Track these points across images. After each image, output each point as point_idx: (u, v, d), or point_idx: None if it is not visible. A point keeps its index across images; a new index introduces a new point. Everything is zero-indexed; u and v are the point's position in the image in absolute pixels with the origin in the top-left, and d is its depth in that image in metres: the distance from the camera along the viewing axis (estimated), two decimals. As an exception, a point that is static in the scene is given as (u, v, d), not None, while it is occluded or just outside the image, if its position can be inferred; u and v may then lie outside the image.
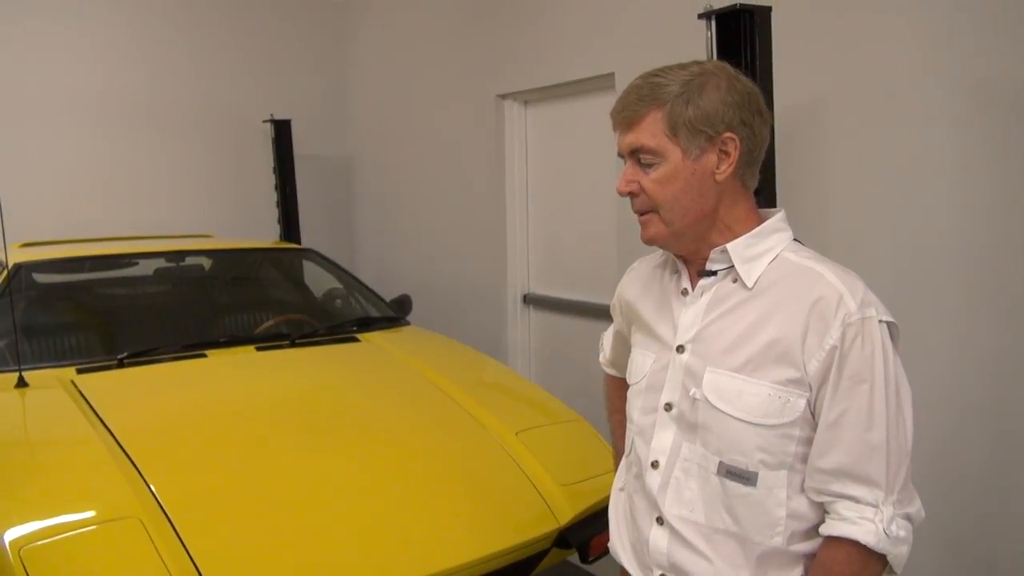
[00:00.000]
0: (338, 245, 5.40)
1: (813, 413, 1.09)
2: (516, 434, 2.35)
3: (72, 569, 1.64)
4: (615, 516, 1.34)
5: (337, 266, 3.80)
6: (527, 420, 2.48)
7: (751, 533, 1.12)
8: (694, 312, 1.19)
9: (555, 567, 2.17)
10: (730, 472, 1.12)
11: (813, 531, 1.12)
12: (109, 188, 4.71)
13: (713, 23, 2.28)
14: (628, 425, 1.31)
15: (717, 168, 1.13)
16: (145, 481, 1.91)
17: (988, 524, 2.20)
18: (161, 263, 3.55)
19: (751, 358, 1.11)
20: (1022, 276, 2.10)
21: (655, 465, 1.21)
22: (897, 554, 1.05)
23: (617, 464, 1.46)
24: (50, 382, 2.49)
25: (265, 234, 4.93)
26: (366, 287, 3.70)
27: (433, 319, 4.04)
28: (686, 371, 1.17)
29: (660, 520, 1.19)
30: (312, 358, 2.92)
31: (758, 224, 1.17)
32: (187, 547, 1.71)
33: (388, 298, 3.66)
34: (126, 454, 2.01)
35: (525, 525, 2.04)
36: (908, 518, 1.07)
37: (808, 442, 1.10)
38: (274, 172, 4.93)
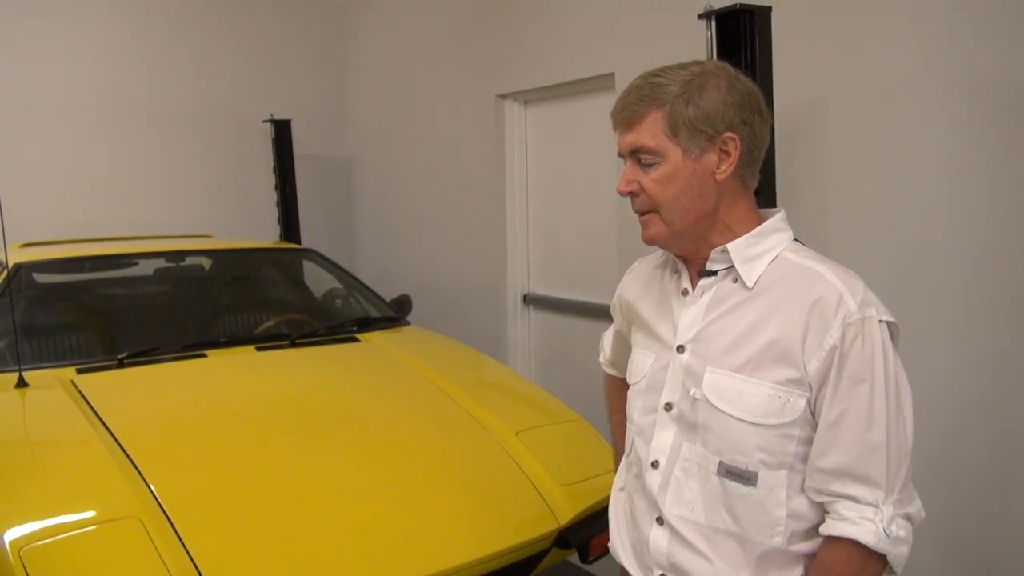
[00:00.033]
0: (338, 245, 5.40)
1: (813, 413, 1.09)
2: (516, 434, 2.35)
3: (72, 569, 1.64)
4: (615, 516, 1.34)
5: (337, 266, 3.80)
6: (527, 420, 2.48)
7: (751, 533, 1.12)
8: (694, 312, 1.19)
9: (555, 567, 2.17)
10: (730, 472, 1.12)
11: (813, 531, 1.12)
12: (109, 188, 4.71)
13: (713, 23, 2.28)
14: (628, 425, 1.31)
15: (717, 168, 1.13)
16: (145, 481, 1.91)
17: (988, 524, 2.20)
18: (161, 263, 3.55)
19: (751, 358, 1.11)
20: (1022, 276, 2.10)
21: (655, 465, 1.21)
22: (897, 554, 1.05)
23: (617, 464, 1.46)
24: (50, 382, 2.49)
25: (265, 234, 4.93)
26: (366, 287, 3.70)
27: (433, 319, 4.04)
28: (686, 371, 1.17)
29: (660, 520, 1.19)
30: (312, 358, 2.92)
31: (758, 224, 1.17)
32: (187, 547, 1.71)
33: (388, 298, 3.66)
34: (126, 454, 2.01)
35: (525, 525, 2.04)
36: (908, 518, 1.07)
37: (808, 442, 1.10)
38: (274, 172, 4.93)
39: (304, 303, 3.73)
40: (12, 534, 1.67)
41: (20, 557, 1.61)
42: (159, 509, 1.81)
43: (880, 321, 1.07)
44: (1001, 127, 2.11)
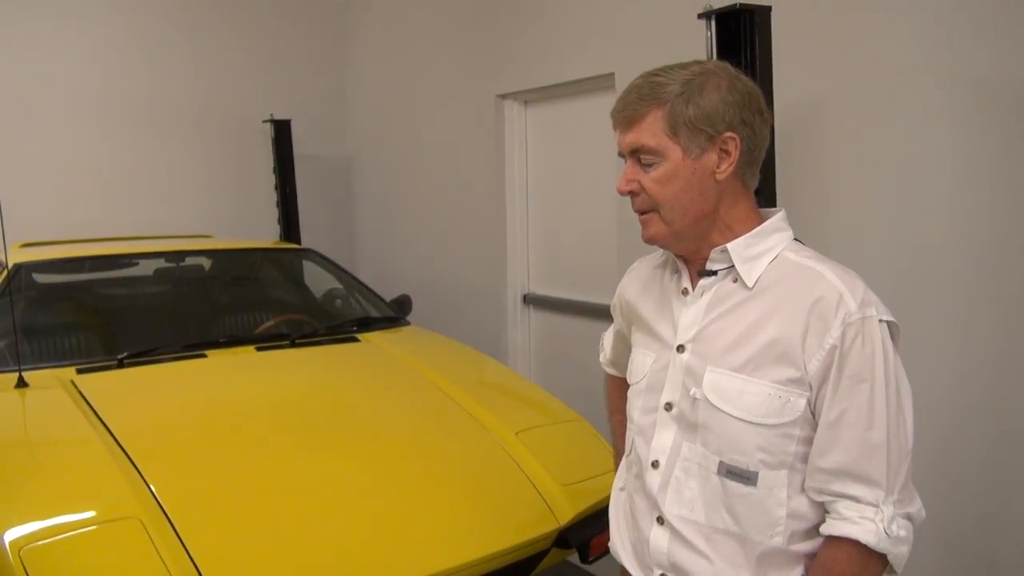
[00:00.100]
0: (338, 245, 5.40)
1: (813, 413, 1.09)
2: (516, 434, 2.35)
3: (72, 569, 1.64)
4: (615, 516, 1.34)
5: (337, 266, 3.80)
6: (527, 420, 2.48)
7: (751, 533, 1.12)
8: (694, 312, 1.19)
9: (555, 567, 2.17)
10: (730, 472, 1.12)
11: (813, 531, 1.12)
12: (109, 188, 4.71)
13: (713, 23, 2.28)
14: (628, 425, 1.31)
15: (717, 167, 1.13)
16: (145, 481, 1.91)
17: (988, 524, 2.20)
18: (161, 263, 3.55)
19: (751, 358, 1.11)
20: (1022, 276, 2.10)
21: (655, 465, 1.21)
22: (897, 554, 1.05)
23: (617, 464, 1.46)
24: (50, 382, 2.49)
25: (265, 234, 4.93)
26: (366, 287, 3.70)
27: (433, 319, 4.04)
28: (686, 371, 1.17)
29: (660, 520, 1.19)
30: (312, 358, 2.92)
31: (758, 224, 1.17)
32: (187, 547, 1.71)
33: (388, 298, 3.66)
34: (126, 454, 2.01)
35: (525, 525, 2.04)
36: (909, 518, 1.07)
37: (808, 442, 1.10)
38: (274, 172, 4.93)
39: (304, 303, 3.73)
40: (12, 534, 1.67)
41: (20, 557, 1.61)
42: (159, 509, 1.81)
43: (880, 321, 1.07)
44: (1001, 127, 2.11)
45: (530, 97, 4.01)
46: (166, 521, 1.77)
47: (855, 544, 1.05)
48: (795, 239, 1.19)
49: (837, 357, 1.06)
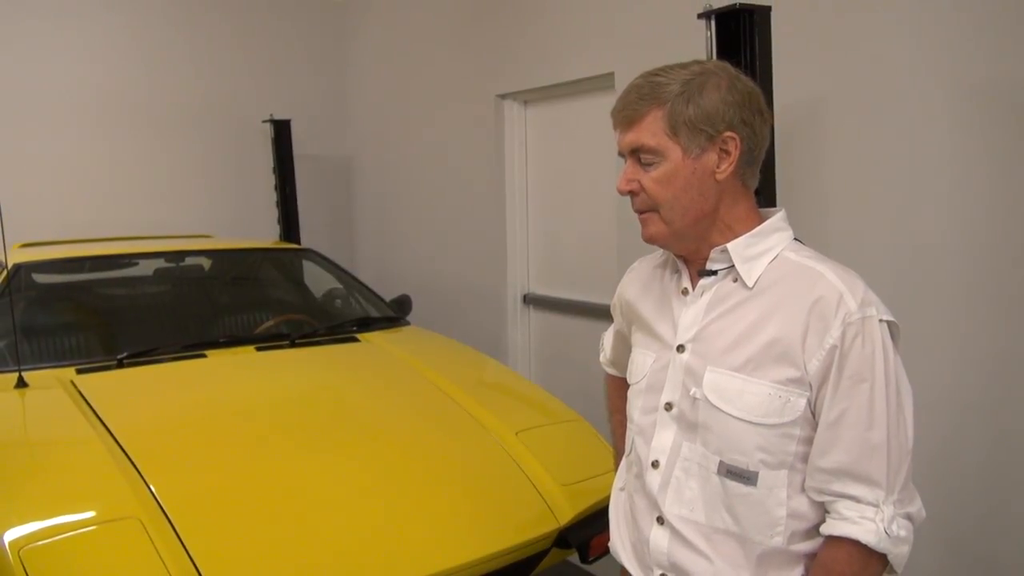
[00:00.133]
0: (338, 245, 5.40)
1: (813, 413, 1.09)
2: (516, 434, 2.35)
3: (72, 569, 1.64)
4: (615, 516, 1.34)
5: (337, 266, 3.80)
6: (527, 420, 2.48)
7: (751, 533, 1.12)
8: (694, 312, 1.19)
9: (555, 567, 2.17)
10: (730, 472, 1.12)
11: (813, 531, 1.12)
12: (109, 188, 4.71)
13: (713, 23, 2.28)
14: (628, 425, 1.31)
15: (717, 167, 1.13)
16: (145, 481, 1.90)
17: (988, 524, 2.19)
18: (161, 263, 3.55)
19: (751, 357, 1.11)
20: (1022, 276, 2.10)
21: (655, 465, 1.21)
22: (898, 554, 1.05)
23: (617, 464, 1.46)
24: (50, 382, 2.49)
25: (265, 234, 4.93)
26: (366, 287, 3.70)
27: (433, 319, 4.04)
28: (686, 371, 1.17)
29: (660, 520, 1.19)
30: (312, 358, 2.92)
31: (758, 224, 1.17)
32: (187, 547, 1.71)
33: (388, 298, 3.66)
34: (126, 454, 2.01)
35: (525, 525, 2.04)
36: (909, 517, 1.07)
37: (808, 441, 1.10)
38: (274, 172, 4.93)
39: (304, 303, 3.73)
40: (12, 534, 1.67)
41: (20, 557, 1.61)
42: (159, 509, 1.81)
43: (880, 320, 1.07)
44: (1001, 127, 2.11)
45: (530, 97, 4.01)
46: (166, 521, 1.77)
47: (855, 544, 1.05)
48: (795, 239, 1.19)
49: (837, 357, 1.06)
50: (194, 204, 4.97)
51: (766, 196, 2.03)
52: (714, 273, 1.18)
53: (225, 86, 5.06)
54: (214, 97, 5.02)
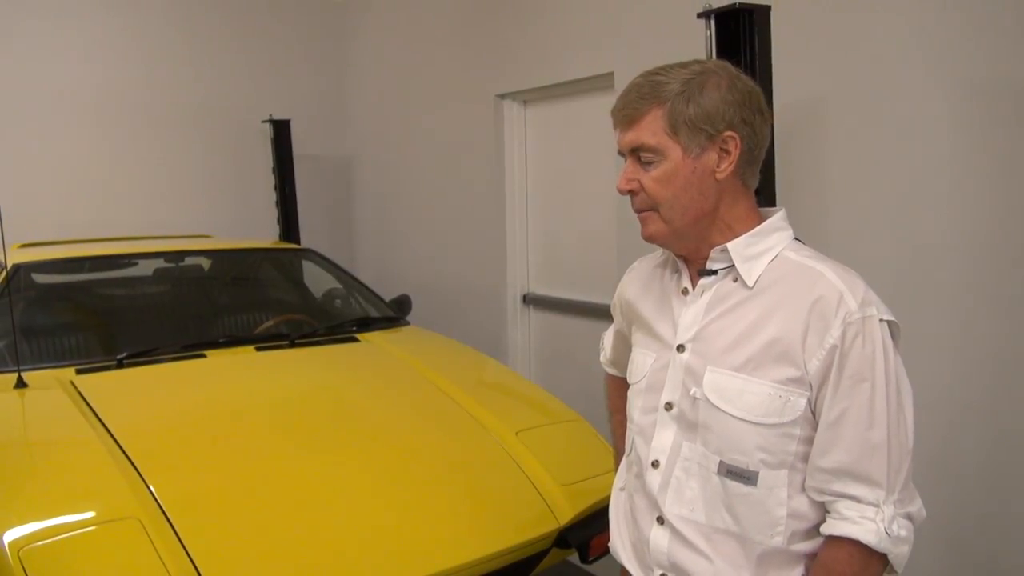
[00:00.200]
0: (338, 245, 5.40)
1: (814, 412, 1.09)
2: (516, 434, 2.35)
3: (72, 569, 1.64)
4: (615, 516, 1.34)
5: (337, 266, 3.80)
6: (527, 420, 2.48)
7: (752, 533, 1.12)
8: (694, 311, 1.19)
9: (555, 567, 2.17)
10: (731, 471, 1.12)
11: (814, 531, 1.12)
12: (109, 188, 4.71)
13: (712, 22, 2.27)
14: (628, 425, 1.31)
15: (717, 167, 1.13)
16: (144, 481, 1.90)
17: (988, 524, 2.19)
18: (160, 263, 3.55)
19: (752, 357, 1.11)
20: (1022, 276, 2.10)
21: (655, 465, 1.21)
22: (898, 553, 1.05)
23: (617, 464, 1.46)
24: (49, 383, 2.49)
25: (264, 234, 4.93)
26: (366, 287, 3.70)
27: (433, 319, 4.04)
28: (686, 370, 1.17)
29: (661, 520, 1.19)
30: (312, 358, 2.92)
31: (758, 223, 1.17)
32: (187, 547, 1.71)
33: (388, 298, 3.66)
34: (125, 455, 2.01)
35: (525, 525, 2.04)
36: (909, 517, 1.07)
37: (809, 441, 1.10)
38: (273, 172, 4.93)
39: (304, 303, 3.73)
40: (12, 534, 1.67)
41: (20, 557, 1.61)
42: (159, 509, 1.80)
43: (881, 320, 1.07)
44: (1001, 127, 2.11)
45: (530, 97, 4.01)
46: (165, 521, 1.77)
47: (856, 544, 1.05)
48: (795, 238, 1.19)
49: (837, 357, 1.06)
50: (193, 204, 4.96)
51: (766, 196, 2.03)
52: (714, 273, 1.18)
53: (225, 86, 5.06)
54: (214, 97, 5.02)
